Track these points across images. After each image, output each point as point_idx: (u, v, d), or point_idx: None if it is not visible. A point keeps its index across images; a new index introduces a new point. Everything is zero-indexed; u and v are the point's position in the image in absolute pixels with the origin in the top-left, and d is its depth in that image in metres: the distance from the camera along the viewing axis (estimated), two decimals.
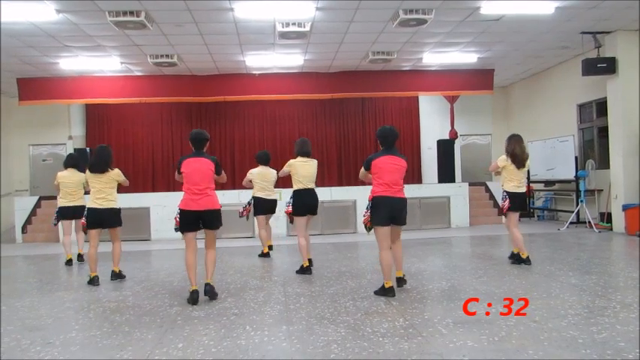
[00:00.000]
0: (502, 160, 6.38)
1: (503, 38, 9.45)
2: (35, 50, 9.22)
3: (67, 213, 7.41)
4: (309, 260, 6.23)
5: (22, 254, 9.07)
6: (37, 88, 10.94)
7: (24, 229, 10.91)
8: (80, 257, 7.66)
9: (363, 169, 5.08)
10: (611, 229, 9.44)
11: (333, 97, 11.98)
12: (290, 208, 6.14)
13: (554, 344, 3.39)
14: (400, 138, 14.01)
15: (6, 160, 12.65)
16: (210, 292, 4.92)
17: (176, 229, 4.96)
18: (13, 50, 9.11)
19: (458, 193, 11.28)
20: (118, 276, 6.11)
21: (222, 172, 5.11)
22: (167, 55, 9.82)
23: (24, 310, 4.78)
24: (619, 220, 9.22)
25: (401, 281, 5.13)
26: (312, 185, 6.29)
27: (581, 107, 11.09)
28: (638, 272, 5.58)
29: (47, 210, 11.20)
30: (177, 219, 4.92)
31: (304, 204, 6.17)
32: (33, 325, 4.25)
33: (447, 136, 12.70)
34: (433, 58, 10.71)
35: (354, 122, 13.98)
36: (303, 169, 6.22)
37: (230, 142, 13.68)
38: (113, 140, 13.30)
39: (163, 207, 10.27)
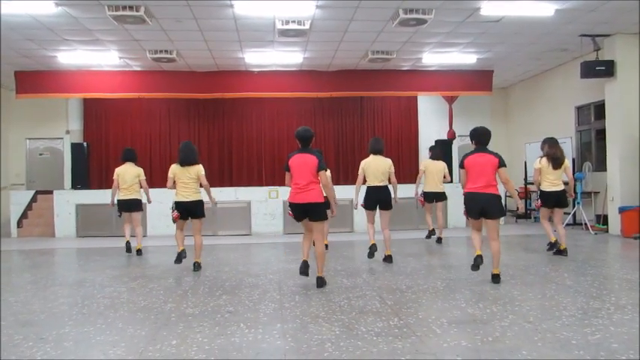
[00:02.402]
0: (537, 163, 6.93)
1: (503, 40, 9.44)
2: (33, 43, 9.17)
3: (124, 206, 7.67)
4: (389, 256, 6.63)
5: (17, 249, 9.03)
6: (34, 81, 10.87)
7: (19, 224, 10.87)
8: (130, 248, 7.82)
9: (461, 170, 5.41)
10: (607, 232, 9.45)
11: (332, 95, 11.96)
12: (362, 202, 6.70)
13: (548, 345, 3.40)
14: (398, 137, 14.05)
15: (2, 153, 12.59)
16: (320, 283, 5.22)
17: (296, 219, 5.33)
18: (12, 43, 9.06)
19: (455, 193, 11.24)
20: (199, 267, 6.36)
21: (326, 173, 5.21)
22: (166, 51, 9.79)
23: (17, 305, 4.76)
24: (615, 223, 9.23)
25: (495, 278, 5.26)
26: (379, 182, 6.58)
27: (579, 109, 11.10)
28: (639, 274, 5.59)
29: (43, 204, 11.16)
30: (290, 211, 5.29)
31: (371, 199, 6.62)
32: (26, 320, 4.23)
33: (445, 137, 12.69)
34: (433, 59, 10.69)
35: (353, 121, 13.95)
36: (369, 168, 6.61)
37: (228, 139, 13.65)
38: (111, 135, 13.27)
39: (159, 203, 10.17)
